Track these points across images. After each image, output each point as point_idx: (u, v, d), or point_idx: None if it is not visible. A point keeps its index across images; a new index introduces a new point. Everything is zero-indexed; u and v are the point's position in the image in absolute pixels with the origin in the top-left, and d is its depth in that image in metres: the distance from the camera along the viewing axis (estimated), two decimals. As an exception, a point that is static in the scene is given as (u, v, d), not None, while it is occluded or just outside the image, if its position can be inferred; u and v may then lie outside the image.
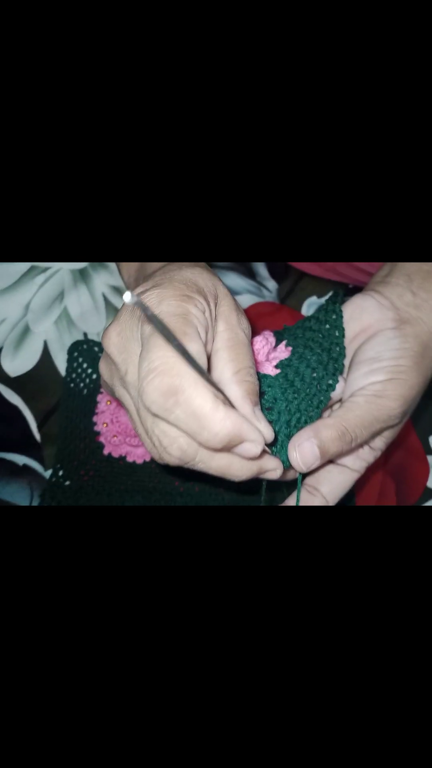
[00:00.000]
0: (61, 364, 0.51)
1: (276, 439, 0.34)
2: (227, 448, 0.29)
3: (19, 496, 0.50)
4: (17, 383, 0.51)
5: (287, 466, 0.34)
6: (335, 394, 0.36)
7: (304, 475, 0.39)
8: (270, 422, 0.32)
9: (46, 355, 0.51)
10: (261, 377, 0.35)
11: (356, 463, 0.38)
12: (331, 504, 0.38)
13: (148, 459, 0.49)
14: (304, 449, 0.33)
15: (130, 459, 0.49)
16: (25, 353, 0.51)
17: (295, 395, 0.34)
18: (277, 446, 0.34)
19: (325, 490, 0.38)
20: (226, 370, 0.31)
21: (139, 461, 0.49)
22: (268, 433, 0.31)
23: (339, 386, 0.36)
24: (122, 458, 0.49)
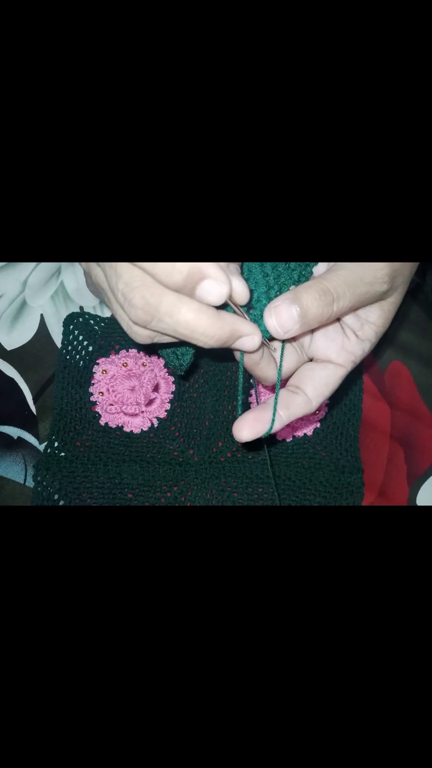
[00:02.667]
0: (57, 337, 0.51)
1: (251, 310, 0.32)
2: (189, 284, 0.28)
3: (13, 470, 0.48)
4: (14, 356, 0.50)
5: (265, 335, 0.32)
6: (317, 270, 0.34)
7: (285, 378, 0.36)
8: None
9: (42, 328, 0.51)
10: None
11: (341, 356, 0.35)
12: (314, 403, 0.35)
13: (145, 428, 0.48)
14: (280, 311, 0.30)
15: (127, 429, 0.48)
16: (21, 327, 0.51)
17: (273, 269, 0.32)
18: (253, 320, 0.32)
19: (309, 389, 0.35)
20: None
21: (137, 431, 0.48)
22: (240, 286, 0.30)
23: (322, 264, 0.34)
24: (119, 428, 0.48)
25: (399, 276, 0.33)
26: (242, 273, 0.33)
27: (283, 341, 0.34)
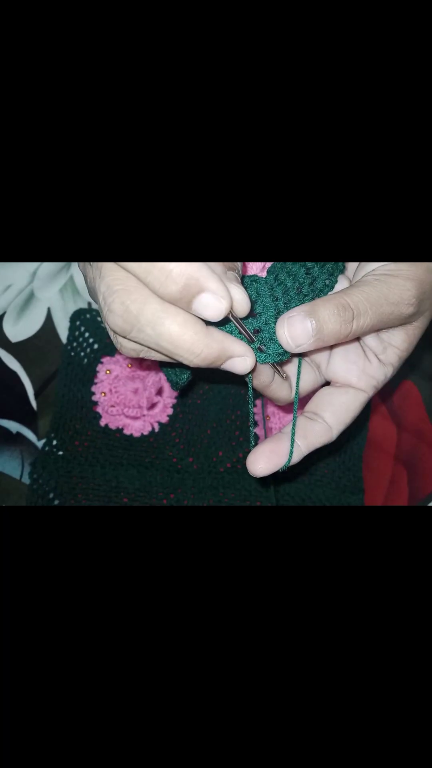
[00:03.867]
0: (63, 332, 0.50)
1: (258, 333, 0.30)
2: (185, 297, 0.25)
3: (10, 465, 0.48)
4: (18, 349, 0.49)
5: (273, 359, 0.30)
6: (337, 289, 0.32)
7: (302, 402, 0.33)
8: (254, 314, 0.29)
9: (48, 322, 0.50)
10: (247, 281, 0.31)
11: (362, 380, 0.32)
12: (335, 432, 0.32)
13: (146, 432, 0.47)
14: (294, 322, 0.27)
15: (127, 432, 0.47)
16: (28, 319, 0.50)
17: (284, 294, 0.30)
18: (259, 342, 0.30)
19: (328, 416, 0.32)
20: None
21: (137, 434, 0.47)
22: (240, 297, 0.27)
23: (339, 287, 0.32)
24: (119, 431, 0.47)
25: (427, 299, 0.31)
26: (250, 296, 0.31)
27: (299, 364, 0.33)
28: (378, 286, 0.29)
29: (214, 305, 0.26)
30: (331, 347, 0.33)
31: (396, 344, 0.32)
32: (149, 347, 0.28)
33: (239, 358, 0.28)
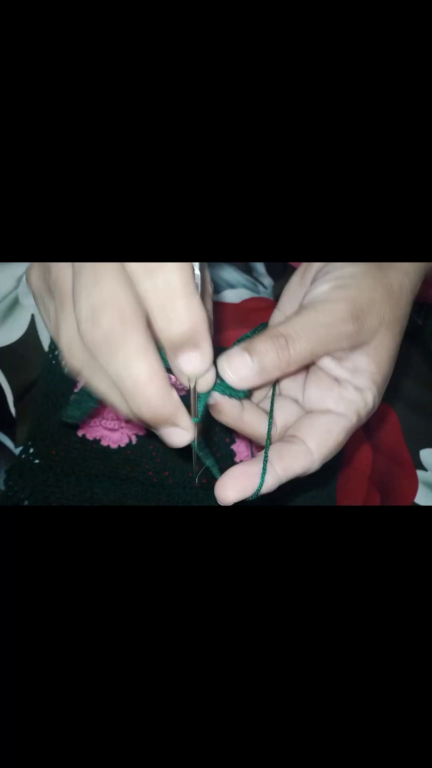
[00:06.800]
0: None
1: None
2: (181, 344, 0.26)
3: (-13, 471, 0.48)
4: (-1, 355, 0.49)
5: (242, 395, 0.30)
6: (275, 320, 0.34)
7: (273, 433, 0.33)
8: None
9: (32, 329, 0.50)
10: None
11: (341, 405, 0.31)
12: (316, 456, 0.31)
13: (123, 444, 0.48)
14: (232, 357, 0.28)
15: (104, 443, 0.47)
16: (10, 325, 0.50)
17: None
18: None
19: (309, 440, 0.31)
20: None
21: (114, 446, 0.47)
22: (212, 376, 0.28)
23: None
24: (96, 441, 0.48)
25: (371, 315, 0.30)
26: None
27: (273, 391, 0.33)
28: (307, 311, 0.30)
29: (196, 364, 0.27)
30: (305, 380, 0.34)
31: (363, 367, 0.31)
32: (97, 374, 0.27)
33: (181, 430, 0.28)
